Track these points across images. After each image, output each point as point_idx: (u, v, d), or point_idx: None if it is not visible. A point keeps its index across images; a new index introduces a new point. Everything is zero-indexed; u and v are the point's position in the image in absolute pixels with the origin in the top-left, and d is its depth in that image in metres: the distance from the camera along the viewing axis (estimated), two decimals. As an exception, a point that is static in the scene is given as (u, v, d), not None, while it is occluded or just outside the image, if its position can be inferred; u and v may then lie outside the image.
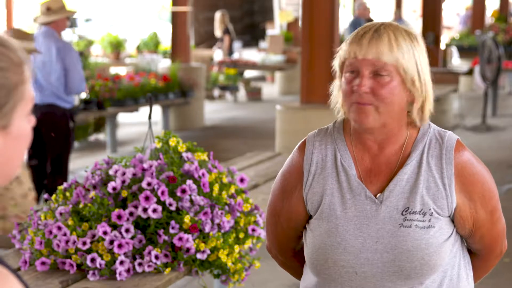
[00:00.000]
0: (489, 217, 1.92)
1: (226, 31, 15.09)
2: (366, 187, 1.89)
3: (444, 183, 1.86)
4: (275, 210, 2.02)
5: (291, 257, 2.11)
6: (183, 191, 2.85)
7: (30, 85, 1.18)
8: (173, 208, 2.83)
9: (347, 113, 1.88)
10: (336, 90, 1.93)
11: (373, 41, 1.81)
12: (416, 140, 1.90)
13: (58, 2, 5.88)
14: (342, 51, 1.87)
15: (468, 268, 1.99)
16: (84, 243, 2.75)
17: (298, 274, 2.14)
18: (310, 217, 1.95)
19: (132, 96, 9.13)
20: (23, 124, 1.17)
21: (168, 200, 2.83)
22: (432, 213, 1.85)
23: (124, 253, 2.77)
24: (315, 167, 1.93)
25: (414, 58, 1.83)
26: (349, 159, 1.91)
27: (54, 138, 5.80)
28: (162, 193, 2.82)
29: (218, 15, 15.20)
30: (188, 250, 2.82)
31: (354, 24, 14.01)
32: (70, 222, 2.82)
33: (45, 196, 3.08)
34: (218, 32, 15.46)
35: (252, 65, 14.85)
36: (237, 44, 16.02)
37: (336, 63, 1.90)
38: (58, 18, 5.88)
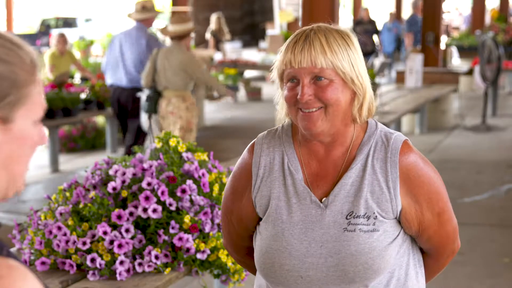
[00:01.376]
0: (436, 218, 1.91)
1: (213, 34, 15.15)
2: (312, 192, 1.88)
3: (389, 186, 1.85)
4: (226, 210, 2.04)
5: (246, 255, 2.12)
6: (183, 191, 2.85)
7: (41, 91, 1.16)
8: (173, 208, 2.83)
9: (295, 121, 1.87)
10: (281, 99, 1.91)
11: (305, 48, 1.81)
12: (362, 143, 1.90)
13: (151, 2, 6.95)
14: (278, 62, 1.87)
15: (418, 266, 1.99)
16: (84, 243, 2.75)
17: (254, 272, 2.15)
18: (260, 219, 1.96)
19: (132, 96, 9.12)
20: (28, 126, 1.15)
21: (168, 200, 2.83)
22: (376, 216, 1.84)
23: (124, 253, 2.77)
24: (263, 170, 1.93)
25: (348, 58, 1.83)
26: (296, 163, 1.91)
27: (137, 117, 6.88)
28: (162, 193, 2.82)
29: (214, 17, 15.24)
30: (188, 250, 2.82)
31: (411, 22, 14.01)
32: (70, 222, 2.83)
33: (45, 196, 3.08)
34: (207, 34, 15.55)
35: (252, 65, 14.85)
36: (230, 45, 16.02)
37: (274, 73, 1.90)
38: (150, 16, 6.96)
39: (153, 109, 6.53)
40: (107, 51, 7.33)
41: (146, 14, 6.94)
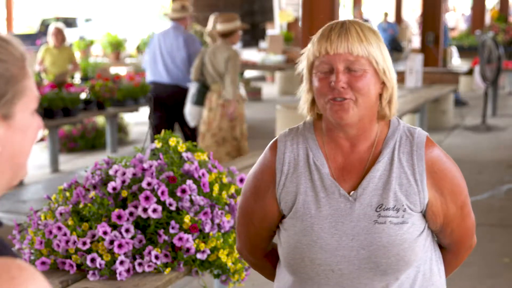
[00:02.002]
0: (459, 211, 1.95)
1: (210, 35, 15.14)
2: (340, 185, 1.89)
3: (416, 179, 1.88)
4: (247, 211, 2.03)
5: (263, 258, 2.12)
6: (183, 191, 2.85)
7: (33, 82, 1.19)
8: (173, 208, 2.83)
9: (324, 111, 1.88)
10: (305, 93, 1.93)
11: (342, 35, 1.83)
12: (387, 137, 1.92)
13: (187, 2, 7.55)
14: (309, 52, 1.88)
15: (440, 263, 2.01)
16: (84, 243, 2.75)
17: (269, 275, 2.15)
18: (283, 216, 1.96)
19: (132, 96, 9.13)
20: (28, 118, 1.18)
21: (168, 200, 2.83)
22: (405, 209, 1.87)
23: (124, 253, 2.77)
24: (287, 166, 1.94)
25: (380, 49, 1.86)
26: (321, 158, 1.92)
27: (178, 111, 7.30)
28: (162, 193, 2.82)
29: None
30: (188, 250, 2.82)
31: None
32: (70, 222, 2.82)
33: (45, 196, 3.08)
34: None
35: (252, 65, 14.85)
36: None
37: (303, 65, 1.91)
38: (187, 15, 7.42)
39: (201, 102, 7.00)
40: (147, 50, 7.77)
41: (183, 13, 7.38)
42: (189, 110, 7.08)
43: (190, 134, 7.51)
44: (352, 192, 1.89)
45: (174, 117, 7.46)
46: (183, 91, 7.29)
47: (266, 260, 2.12)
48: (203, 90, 7.00)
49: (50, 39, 9.64)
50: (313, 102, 1.94)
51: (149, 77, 7.68)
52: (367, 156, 1.91)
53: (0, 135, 1.13)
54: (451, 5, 27.87)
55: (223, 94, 6.87)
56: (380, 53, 1.86)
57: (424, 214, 1.92)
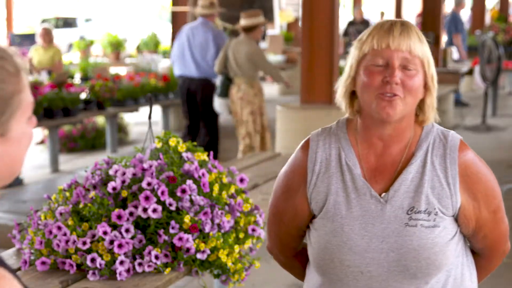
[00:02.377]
0: (492, 216, 1.92)
1: None
2: (371, 187, 1.88)
3: (449, 183, 1.86)
4: (277, 210, 2.02)
5: (293, 257, 2.11)
6: (183, 191, 2.85)
7: (28, 91, 1.19)
8: (173, 208, 2.83)
9: (368, 105, 1.86)
10: (345, 85, 1.91)
11: (404, 33, 1.83)
12: (420, 139, 1.91)
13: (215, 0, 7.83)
14: (365, 44, 1.86)
15: (472, 268, 1.99)
16: (84, 243, 2.75)
17: (299, 275, 2.14)
18: (313, 216, 1.95)
19: (132, 96, 9.13)
20: (23, 128, 1.18)
21: (168, 200, 2.83)
22: (437, 212, 1.85)
23: (124, 253, 2.77)
24: (319, 166, 1.93)
25: (429, 54, 1.88)
26: (353, 158, 1.91)
27: (207, 105, 7.69)
28: (162, 193, 2.82)
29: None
30: (188, 250, 2.82)
31: (454, 20, 13.84)
32: (70, 222, 2.82)
33: (45, 196, 3.08)
34: None
35: (252, 65, 14.81)
36: None
37: (353, 56, 1.89)
38: (215, 12, 7.77)
39: (225, 94, 7.43)
40: (174, 45, 8.10)
41: (212, 10, 7.75)
42: (216, 102, 7.56)
43: (211, 130, 7.89)
44: (383, 194, 1.88)
45: (201, 109, 7.81)
46: (212, 85, 7.71)
47: (296, 260, 2.11)
48: (227, 82, 7.39)
49: (39, 39, 9.69)
50: (351, 97, 1.92)
51: (177, 71, 7.98)
52: (399, 158, 1.90)
53: None
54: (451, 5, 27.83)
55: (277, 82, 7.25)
56: (430, 58, 1.88)
57: (456, 218, 1.89)
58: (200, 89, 7.77)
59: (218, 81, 7.54)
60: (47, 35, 9.63)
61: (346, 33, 15.43)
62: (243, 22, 7.28)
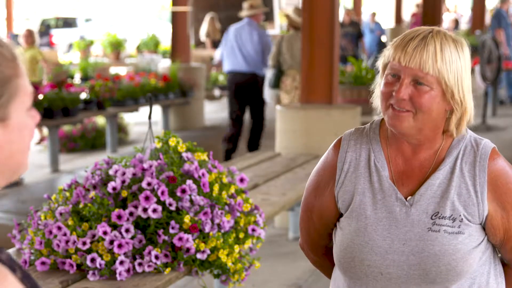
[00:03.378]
0: None
1: (207, 35, 15.19)
2: (398, 189, 1.88)
3: (476, 190, 1.85)
4: (307, 207, 2.04)
5: (323, 255, 2.12)
6: (183, 191, 2.85)
7: (27, 80, 1.20)
8: (173, 208, 2.83)
9: (383, 114, 1.87)
10: (378, 88, 1.92)
11: (418, 49, 1.79)
12: (451, 146, 1.90)
13: (257, 1, 8.59)
14: (388, 52, 1.86)
15: (500, 277, 1.97)
16: (84, 243, 2.75)
17: (328, 273, 2.15)
18: (341, 215, 1.96)
19: (132, 96, 9.13)
20: (24, 118, 1.18)
21: (168, 200, 2.83)
22: (462, 219, 1.84)
23: (124, 253, 2.77)
24: (348, 165, 1.94)
25: (456, 70, 1.81)
26: (382, 160, 1.91)
27: (255, 97, 8.50)
28: (162, 193, 2.82)
29: (207, 18, 15.28)
30: (188, 250, 2.82)
31: (498, 16, 13.76)
32: (70, 222, 2.82)
33: (45, 196, 3.08)
34: (203, 36, 15.59)
35: (252, 65, 14.81)
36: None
37: (380, 62, 1.90)
38: (258, 12, 8.58)
39: (276, 85, 8.52)
40: (222, 44, 8.86)
41: (254, 11, 8.57)
42: (267, 93, 8.52)
43: (258, 119, 8.61)
44: (409, 197, 1.88)
45: (249, 101, 8.53)
46: (258, 77, 8.49)
47: (326, 258, 2.12)
48: (279, 74, 8.50)
49: (21, 40, 9.69)
50: None
51: (226, 67, 8.73)
52: (429, 163, 1.89)
53: None
54: (451, 6, 27.85)
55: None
56: (454, 74, 1.81)
57: (484, 227, 1.88)
58: (249, 82, 8.54)
59: (268, 73, 8.58)
60: (30, 37, 9.62)
61: None
62: (295, 19, 8.55)
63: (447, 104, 1.84)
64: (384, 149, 1.93)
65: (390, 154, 1.92)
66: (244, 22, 8.67)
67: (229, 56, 8.66)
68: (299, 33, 8.12)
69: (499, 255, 1.99)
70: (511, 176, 1.89)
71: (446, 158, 1.88)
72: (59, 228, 2.78)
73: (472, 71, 12.91)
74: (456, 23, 22.32)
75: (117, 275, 2.72)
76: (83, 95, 8.53)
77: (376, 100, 1.92)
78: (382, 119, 1.96)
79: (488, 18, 19.32)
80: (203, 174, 2.95)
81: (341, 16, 14.28)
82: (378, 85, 1.91)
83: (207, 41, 15.33)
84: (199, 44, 17.57)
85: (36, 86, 7.77)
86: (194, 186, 2.88)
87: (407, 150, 1.91)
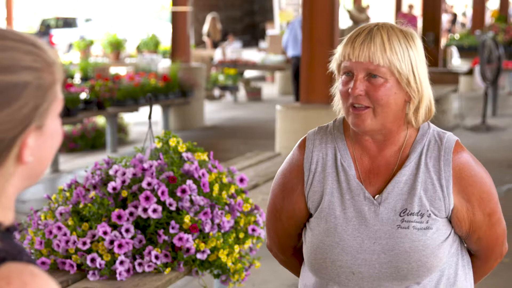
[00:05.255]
0: (486, 219, 1.91)
1: (208, 35, 15.21)
2: (365, 188, 1.89)
3: (442, 185, 1.86)
4: (275, 208, 2.02)
5: (292, 255, 2.11)
6: (183, 191, 2.85)
7: (60, 85, 1.19)
8: (173, 208, 2.83)
9: (346, 116, 1.88)
10: (337, 90, 1.93)
11: (365, 43, 1.81)
12: (415, 141, 1.90)
13: None
14: (337, 53, 1.88)
15: (468, 268, 1.99)
16: (84, 243, 2.75)
17: (298, 272, 2.15)
18: (310, 215, 1.96)
19: (132, 96, 9.13)
20: (55, 124, 1.18)
21: (168, 200, 2.83)
22: (430, 214, 1.85)
23: (124, 253, 2.77)
24: (315, 165, 1.93)
25: (409, 59, 1.82)
26: (348, 159, 1.91)
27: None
28: (162, 193, 2.82)
29: (209, 18, 15.29)
30: (188, 250, 2.82)
31: None
32: (70, 222, 2.82)
33: (45, 196, 3.08)
34: (205, 36, 15.60)
35: (252, 65, 14.84)
36: (229, 45, 16.03)
37: (333, 65, 1.91)
38: None
39: None
40: (286, 33, 10.76)
41: None
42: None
43: None
44: (377, 195, 1.88)
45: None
46: None
47: (295, 257, 2.12)
48: None
49: None
50: None
51: (290, 52, 10.52)
52: (394, 160, 1.90)
53: (32, 146, 1.13)
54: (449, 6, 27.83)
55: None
56: (407, 63, 1.82)
57: (450, 220, 1.89)
58: (299, 63, 9.64)
59: None
60: None
61: None
62: (354, 13, 9.86)
63: (406, 94, 1.84)
64: (349, 148, 1.93)
65: (355, 153, 1.92)
66: (298, 17, 9.97)
67: (292, 43, 10.40)
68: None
69: (465, 245, 2.01)
70: (475, 169, 1.90)
71: (410, 154, 1.89)
72: (59, 228, 2.78)
73: (472, 71, 12.98)
74: (453, 22, 22.31)
75: (117, 275, 2.72)
76: (83, 95, 8.53)
77: (336, 104, 1.94)
78: (345, 117, 1.95)
79: (488, 18, 19.32)
80: (203, 174, 2.95)
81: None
82: (337, 89, 1.91)
83: (208, 41, 15.33)
84: (199, 44, 17.58)
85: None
86: (194, 186, 2.88)
87: (372, 148, 1.91)
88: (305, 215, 1.97)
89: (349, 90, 1.82)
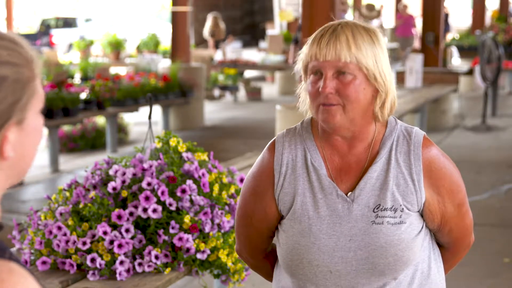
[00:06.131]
0: (457, 210, 1.95)
1: (212, 34, 15.19)
2: (337, 186, 1.90)
3: (413, 179, 1.88)
4: (246, 212, 2.02)
5: (263, 259, 2.12)
6: (183, 191, 2.85)
7: (40, 82, 1.20)
8: (173, 208, 2.83)
9: (315, 115, 1.89)
10: (303, 92, 1.94)
11: (331, 42, 1.83)
12: (384, 137, 1.92)
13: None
14: (303, 54, 1.89)
15: (439, 261, 2.02)
16: (84, 243, 2.75)
17: (269, 276, 2.15)
18: (282, 217, 1.96)
19: (132, 96, 9.13)
20: (36, 120, 1.19)
21: (168, 200, 2.83)
22: (402, 209, 1.87)
23: (124, 253, 2.77)
24: (285, 167, 1.94)
25: (373, 55, 1.85)
26: (319, 159, 1.92)
27: None
28: (162, 193, 2.82)
29: (210, 17, 15.28)
30: (188, 250, 2.82)
31: None
32: (70, 222, 2.83)
33: (45, 196, 3.08)
34: (206, 35, 15.59)
35: (252, 65, 14.85)
36: (230, 45, 16.01)
37: (299, 66, 1.92)
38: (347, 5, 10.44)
39: None
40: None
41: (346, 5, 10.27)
42: None
43: None
44: (349, 193, 1.89)
45: None
46: None
47: (266, 261, 2.12)
48: None
49: None
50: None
51: None
52: (364, 157, 1.92)
53: (13, 141, 1.14)
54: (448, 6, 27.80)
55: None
56: (372, 58, 1.84)
57: (422, 214, 1.92)
58: None
59: None
60: None
61: (296, 40, 12.40)
62: (366, 14, 9.93)
63: (373, 89, 1.86)
64: (319, 148, 1.94)
65: (325, 152, 1.93)
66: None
67: None
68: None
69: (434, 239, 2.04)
70: (443, 162, 1.93)
71: (380, 150, 1.91)
72: (59, 228, 2.78)
73: (472, 71, 13.01)
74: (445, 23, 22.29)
75: (117, 275, 2.72)
76: (83, 95, 8.53)
77: (302, 105, 1.95)
78: (312, 117, 1.97)
79: (488, 18, 19.33)
80: (203, 174, 2.95)
81: (354, 14, 14.31)
82: (304, 90, 1.93)
83: (210, 40, 15.31)
84: (199, 44, 17.58)
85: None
86: (194, 186, 2.88)
87: (341, 146, 1.92)
88: (276, 218, 1.97)
89: (319, 89, 1.83)
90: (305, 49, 1.89)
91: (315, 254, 1.88)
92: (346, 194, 1.89)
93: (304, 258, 1.90)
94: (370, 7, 9.90)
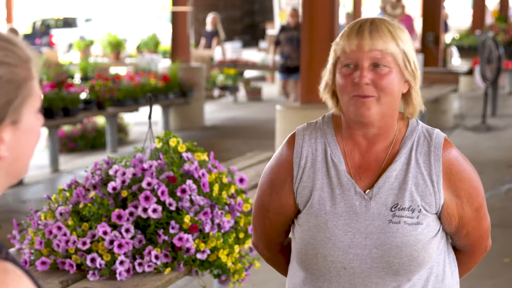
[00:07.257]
0: (475, 214, 1.94)
1: (215, 34, 15.17)
2: (356, 183, 1.89)
3: (432, 180, 1.88)
4: (263, 205, 2.02)
5: (278, 252, 2.11)
6: (183, 191, 2.85)
7: (37, 82, 1.20)
8: (173, 208, 2.83)
9: (346, 107, 1.88)
10: (327, 86, 1.93)
11: (373, 32, 1.83)
12: (405, 137, 1.92)
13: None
14: (337, 47, 1.88)
15: (453, 265, 2.01)
16: (84, 243, 2.75)
17: (284, 270, 2.15)
18: (298, 211, 1.96)
19: (132, 96, 9.13)
20: (33, 120, 1.18)
21: (168, 200, 2.83)
22: (420, 209, 1.87)
23: (124, 253, 2.77)
24: (305, 161, 1.94)
25: (406, 50, 1.86)
26: (339, 154, 1.92)
27: None
28: (162, 193, 2.82)
29: (210, 17, 15.27)
30: (188, 250, 2.82)
31: None
32: (70, 222, 2.83)
33: (45, 196, 3.08)
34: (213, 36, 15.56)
35: (252, 65, 14.85)
36: (230, 45, 16.01)
37: (330, 59, 1.91)
38: (383, 4, 10.69)
39: None
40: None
41: (382, 3, 10.65)
42: None
43: None
44: (368, 190, 1.89)
45: None
46: None
47: (281, 255, 2.11)
48: None
49: None
50: (336, 96, 1.93)
51: None
52: (384, 155, 1.91)
53: (7, 141, 1.14)
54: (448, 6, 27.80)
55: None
56: (406, 53, 1.86)
57: (439, 216, 1.91)
58: None
59: None
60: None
61: (278, 41, 12.26)
62: (390, 11, 10.30)
63: (403, 85, 1.88)
64: (339, 143, 1.93)
65: (346, 148, 1.93)
66: (378, 13, 10.09)
67: None
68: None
69: (450, 242, 2.03)
70: (463, 164, 1.92)
71: (400, 150, 1.90)
72: (59, 228, 2.78)
73: (472, 71, 13.03)
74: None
75: (117, 275, 2.72)
76: (83, 95, 8.53)
77: (326, 97, 1.94)
78: (334, 113, 1.96)
79: (488, 18, 19.34)
80: (203, 174, 2.95)
81: (358, 13, 14.29)
82: (330, 84, 1.92)
83: (214, 40, 15.29)
84: (199, 43, 17.56)
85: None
86: (194, 186, 2.88)
87: (362, 144, 1.92)
88: (293, 211, 1.97)
89: (355, 80, 1.82)
90: (339, 41, 1.87)
91: (330, 249, 1.88)
92: (364, 192, 1.89)
93: (319, 253, 1.89)
94: (395, 4, 9.76)
